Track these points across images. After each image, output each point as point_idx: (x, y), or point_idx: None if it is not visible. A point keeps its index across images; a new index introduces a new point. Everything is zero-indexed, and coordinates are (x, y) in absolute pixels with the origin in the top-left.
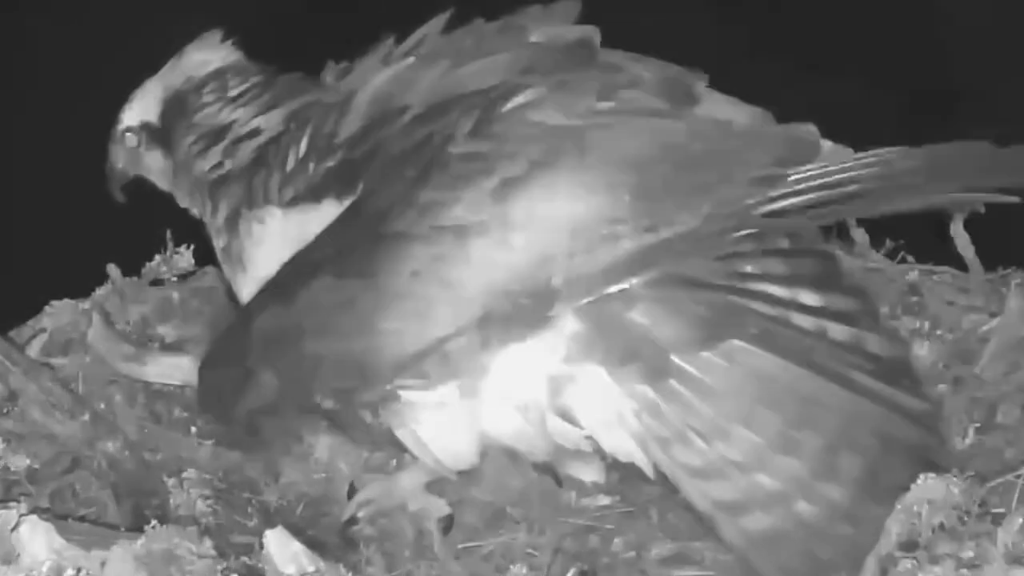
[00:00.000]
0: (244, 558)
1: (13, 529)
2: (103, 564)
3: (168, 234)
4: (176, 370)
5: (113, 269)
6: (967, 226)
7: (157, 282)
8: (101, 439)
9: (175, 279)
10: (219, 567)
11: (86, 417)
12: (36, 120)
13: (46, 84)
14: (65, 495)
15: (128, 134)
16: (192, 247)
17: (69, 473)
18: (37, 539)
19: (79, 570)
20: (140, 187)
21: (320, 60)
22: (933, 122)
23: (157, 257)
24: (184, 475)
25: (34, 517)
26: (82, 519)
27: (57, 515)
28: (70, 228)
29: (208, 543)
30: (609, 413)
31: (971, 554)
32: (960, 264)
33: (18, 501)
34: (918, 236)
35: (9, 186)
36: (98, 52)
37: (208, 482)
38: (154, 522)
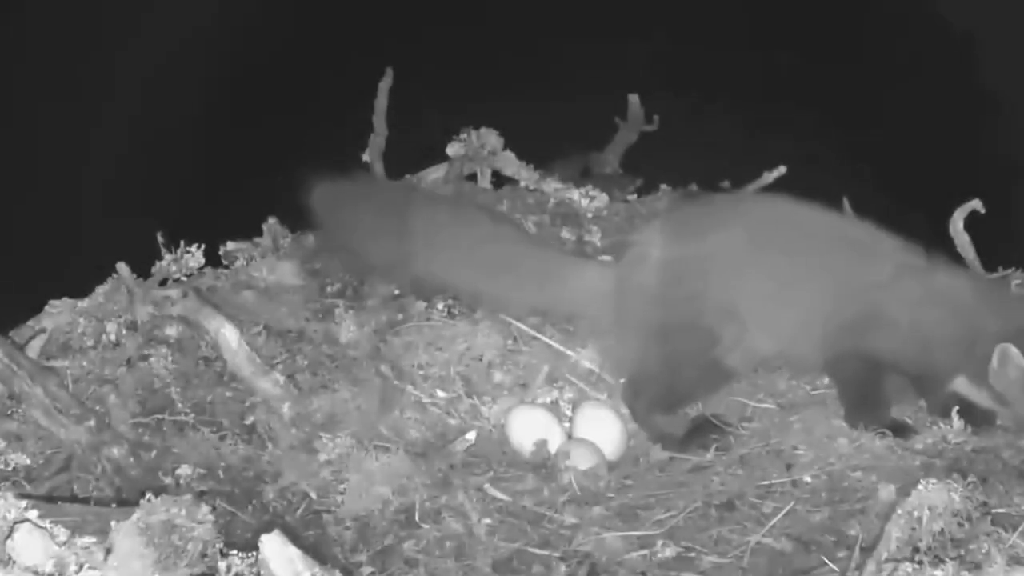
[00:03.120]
0: (244, 559)
1: (7, 537)
2: (108, 551)
3: (159, 236)
4: None
5: (123, 268)
6: (967, 226)
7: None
8: (107, 445)
9: (185, 278)
10: (219, 544)
11: (92, 423)
12: (36, 120)
13: (46, 85)
14: (63, 494)
15: None
16: (203, 247)
17: (65, 471)
18: (33, 545)
19: (82, 565)
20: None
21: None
22: None
23: (168, 256)
24: (184, 474)
25: (29, 525)
26: (74, 499)
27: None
28: (70, 228)
29: (204, 508)
30: None
31: (972, 555)
32: (960, 264)
33: (16, 496)
34: (918, 236)
35: (9, 186)
36: (99, 52)
37: (207, 481)
38: (149, 495)
